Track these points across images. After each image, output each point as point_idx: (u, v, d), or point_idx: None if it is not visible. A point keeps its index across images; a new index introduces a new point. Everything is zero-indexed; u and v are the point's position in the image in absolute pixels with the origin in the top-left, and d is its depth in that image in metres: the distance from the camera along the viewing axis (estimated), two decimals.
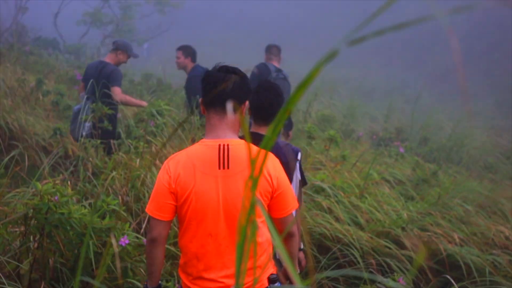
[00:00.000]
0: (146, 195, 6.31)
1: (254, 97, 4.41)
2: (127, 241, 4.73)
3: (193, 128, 8.43)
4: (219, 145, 3.44)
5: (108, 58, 9.09)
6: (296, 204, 3.61)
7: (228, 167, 3.42)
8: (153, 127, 8.06)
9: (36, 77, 11.72)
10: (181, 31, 35.21)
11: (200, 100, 3.67)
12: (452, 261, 6.51)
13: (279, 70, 9.87)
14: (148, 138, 7.75)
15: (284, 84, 9.73)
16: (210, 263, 3.48)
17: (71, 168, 7.39)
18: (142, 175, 6.50)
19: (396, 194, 8.10)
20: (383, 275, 6.32)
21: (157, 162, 7.10)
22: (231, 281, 3.45)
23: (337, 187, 7.35)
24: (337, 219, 6.83)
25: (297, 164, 4.60)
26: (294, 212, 3.75)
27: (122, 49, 9.10)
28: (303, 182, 4.72)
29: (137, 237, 5.25)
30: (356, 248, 6.34)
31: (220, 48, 35.04)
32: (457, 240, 6.81)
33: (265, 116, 4.47)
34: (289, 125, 9.81)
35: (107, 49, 23.50)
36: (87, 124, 8.02)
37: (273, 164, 3.53)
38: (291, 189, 3.61)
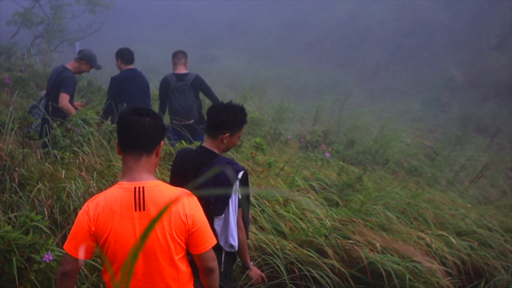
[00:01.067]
0: (72, 207, 6.26)
1: (214, 116, 4.81)
2: (51, 257, 4.81)
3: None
4: (135, 188, 3.60)
5: (71, 65, 9.25)
6: (214, 241, 3.82)
7: (144, 209, 3.59)
8: (79, 136, 7.96)
9: None
10: (114, 30, 34.87)
11: (116, 142, 3.83)
12: (374, 269, 6.62)
13: (180, 79, 10.02)
14: (75, 148, 7.66)
15: (184, 88, 9.87)
16: None
17: None
18: (68, 187, 6.43)
19: (320, 200, 8.17)
20: (306, 284, 6.40)
21: (84, 173, 7.04)
22: None
23: (261, 196, 7.39)
24: (261, 229, 6.87)
25: (237, 183, 4.70)
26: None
27: (86, 59, 9.27)
28: (244, 200, 4.89)
29: (62, 251, 5.21)
30: (279, 257, 6.40)
31: (154, 46, 34.83)
32: (379, 247, 6.93)
33: (213, 133, 4.85)
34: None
35: (38, 49, 23.15)
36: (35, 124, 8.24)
37: (188, 202, 3.70)
38: (207, 227, 3.80)
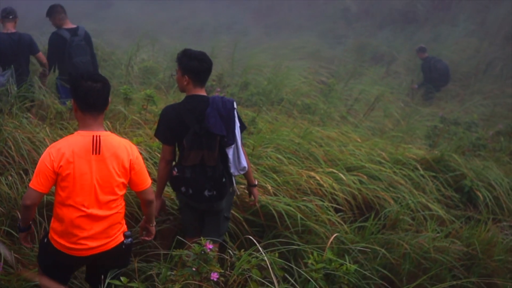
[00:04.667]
0: None
1: (195, 64, 5.48)
2: None
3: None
4: (93, 136, 4.50)
5: (12, 26, 9.47)
6: (149, 181, 4.84)
7: (99, 153, 4.51)
8: None
9: None
10: None
11: (72, 102, 4.64)
12: (266, 211, 6.74)
13: (74, 33, 9.86)
14: None
15: (79, 47, 9.80)
16: (83, 228, 4.53)
17: None
18: None
19: None
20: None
21: None
22: (94, 243, 4.58)
23: (153, 149, 7.39)
24: (154, 181, 6.90)
25: (235, 113, 5.59)
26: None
27: (17, 15, 9.55)
28: (242, 126, 5.75)
29: None
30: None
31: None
32: (271, 190, 7.05)
33: (206, 79, 5.67)
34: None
35: None
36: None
37: (131, 149, 4.68)
38: (144, 169, 4.79)
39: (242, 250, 5.09)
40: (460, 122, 12.87)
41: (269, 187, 7.06)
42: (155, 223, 5.22)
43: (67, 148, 4.45)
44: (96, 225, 4.56)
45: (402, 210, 7.52)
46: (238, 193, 6.19)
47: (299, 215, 6.66)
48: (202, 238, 4.82)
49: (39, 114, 8.97)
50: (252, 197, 6.18)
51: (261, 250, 4.84)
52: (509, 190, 9.16)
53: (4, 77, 8.90)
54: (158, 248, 5.93)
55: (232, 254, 5.14)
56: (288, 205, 6.78)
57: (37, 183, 4.45)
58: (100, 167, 4.50)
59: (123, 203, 4.77)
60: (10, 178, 6.37)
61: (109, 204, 4.60)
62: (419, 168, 8.90)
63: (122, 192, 4.67)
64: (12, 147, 6.81)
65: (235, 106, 5.61)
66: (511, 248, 7.70)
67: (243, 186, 6.61)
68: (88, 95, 4.46)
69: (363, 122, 12.13)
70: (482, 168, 9.41)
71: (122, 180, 4.61)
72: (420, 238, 7.13)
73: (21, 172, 6.48)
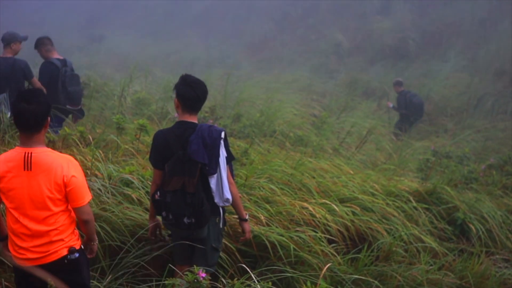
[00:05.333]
0: None
1: (186, 90, 5.55)
2: None
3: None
4: (25, 153, 4.59)
5: (9, 53, 9.60)
6: (88, 199, 4.79)
7: (30, 169, 4.57)
8: None
9: None
10: None
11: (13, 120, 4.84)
12: (259, 241, 6.70)
13: (64, 64, 10.06)
14: None
15: (73, 77, 9.90)
16: (22, 239, 4.66)
17: None
18: None
19: None
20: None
21: None
22: (33, 255, 4.68)
23: (146, 178, 7.36)
24: (147, 210, 6.87)
25: (221, 142, 5.56)
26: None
27: (14, 40, 9.60)
28: (230, 157, 5.73)
29: None
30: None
31: (39, 29, 33.86)
32: (263, 220, 7.02)
33: (197, 107, 5.68)
34: (80, 114, 10.56)
35: None
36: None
37: (67, 165, 4.66)
38: (83, 187, 4.75)
39: (236, 279, 5.05)
40: (452, 155, 12.88)
41: (262, 217, 7.03)
42: (96, 241, 5.16)
43: (2, 163, 4.62)
44: (35, 239, 4.67)
45: (395, 242, 7.49)
46: (226, 224, 6.09)
47: (292, 246, 6.64)
48: (194, 266, 4.78)
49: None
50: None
51: (254, 278, 4.80)
52: (502, 223, 9.17)
53: None
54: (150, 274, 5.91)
55: (225, 283, 5.09)
56: (281, 235, 6.75)
57: None
58: (31, 183, 4.57)
59: (67, 220, 4.79)
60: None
61: (47, 220, 4.65)
62: (412, 200, 8.89)
63: (59, 208, 4.69)
64: None
65: (222, 136, 5.58)
66: (504, 281, 7.69)
67: (235, 217, 6.57)
68: (19, 116, 4.58)
69: (355, 155, 12.12)
70: (475, 201, 9.42)
71: (55, 196, 4.63)
72: (413, 270, 7.11)
73: None
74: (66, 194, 4.67)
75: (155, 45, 31.72)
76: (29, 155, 4.58)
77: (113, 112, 12.74)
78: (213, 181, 5.55)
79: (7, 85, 9.31)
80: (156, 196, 5.61)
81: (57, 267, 4.74)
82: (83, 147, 8.42)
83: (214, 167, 5.52)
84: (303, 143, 11.91)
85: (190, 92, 5.55)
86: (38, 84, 9.62)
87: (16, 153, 4.65)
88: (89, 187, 4.92)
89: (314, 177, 8.87)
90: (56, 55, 10.11)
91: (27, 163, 4.57)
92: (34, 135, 4.62)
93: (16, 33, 9.73)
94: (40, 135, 4.67)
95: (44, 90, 9.40)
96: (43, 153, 4.63)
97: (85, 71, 19.98)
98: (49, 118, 4.74)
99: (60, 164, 4.63)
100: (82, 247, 4.99)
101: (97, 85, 15.22)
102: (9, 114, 8.72)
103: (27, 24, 34.38)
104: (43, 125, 4.65)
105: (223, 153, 5.58)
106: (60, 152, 4.82)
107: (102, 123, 11.58)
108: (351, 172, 9.68)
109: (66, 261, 4.76)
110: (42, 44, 10.12)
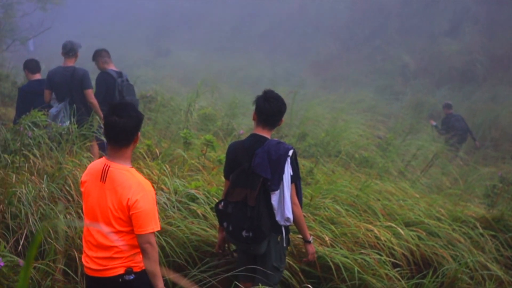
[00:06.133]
0: (23, 211, 6.25)
1: (263, 104, 5.63)
2: (2, 264, 5.13)
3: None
4: (105, 164, 4.69)
5: (71, 62, 9.78)
6: (153, 229, 4.64)
7: (104, 182, 4.64)
8: (30, 139, 7.91)
9: None
10: (65, 27, 34.50)
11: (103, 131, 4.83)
12: (323, 262, 6.68)
13: (120, 75, 10.15)
14: (25, 152, 7.62)
15: (129, 87, 10.00)
16: (89, 247, 4.75)
17: None
18: (19, 192, 6.41)
19: None
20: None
21: (34, 176, 7.01)
22: (94, 265, 4.72)
23: (211, 194, 7.42)
24: (212, 226, 6.92)
25: (288, 160, 5.53)
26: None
27: (77, 49, 9.87)
28: (296, 176, 5.68)
29: (13, 257, 5.30)
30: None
31: (106, 41, 34.48)
32: (328, 241, 7.00)
33: (271, 122, 5.71)
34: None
35: None
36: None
37: (137, 190, 4.60)
38: (148, 215, 4.59)
39: None
40: None
41: (327, 238, 7.01)
42: (158, 279, 4.71)
43: (87, 169, 4.87)
44: (99, 251, 4.71)
45: (460, 268, 7.37)
46: (290, 243, 6.05)
47: (356, 268, 6.60)
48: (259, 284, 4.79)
49: (99, 154, 9.10)
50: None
51: None
52: None
53: (56, 109, 9.13)
54: None
55: None
56: (346, 257, 6.72)
57: None
58: (102, 195, 4.65)
59: (131, 241, 4.69)
60: (68, 216, 6.44)
61: (111, 235, 4.69)
62: (478, 227, 8.74)
63: (122, 228, 4.65)
64: (72, 185, 6.91)
65: (289, 153, 5.58)
66: None
67: (300, 236, 6.57)
68: (110, 129, 4.64)
69: (421, 179, 11.99)
70: None
71: (119, 215, 4.62)
72: None
73: (79, 211, 6.54)
74: (130, 217, 4.61)
75: (220, 61, 31.95)
76: (107, 168, 4.65)
77: (179, 126, 12.87)
78: (274, 198, 5.55)
79: (67, 94, 9.52)
80: (220, 206, 5.70)
81: (113, 285, 4.74)
82: (150, 161, 8.53)
83: (276, 183, 5.52)
84: (368, 164, 11.84)
85: (266, 107, 5.62)
86: (91, 96, 9.71)
87: (100, 162, 4.76)
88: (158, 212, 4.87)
89: (379, 199, 8.80)
90: (112, 67, 10.25)
91: (103, 175, 4.64)
92: (121, 148, 4.67)
93: (76, 42, 9.93)
94: (127, 149, 4.72)
95: (93, 104, 9.66)
96: (119, 170, 4.66)
97: (152, 85, 20.30)
98: (139, 134, 4.78)
99: (130, 185, 4.60)
100: (144, 271, 4.73)
101: (164, 99, 15.38)
102: (67, 123, 8.88)
103: (92, 37, 35.06)
104: (132, 140, 4.71)
105: (288, 170, 5.56)
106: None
107: (168, 137, 11.72)
108: (417, 195, 9.58)
109: (120, 280, 4.71)
110: (99, 55, 10.27)
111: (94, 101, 9.66)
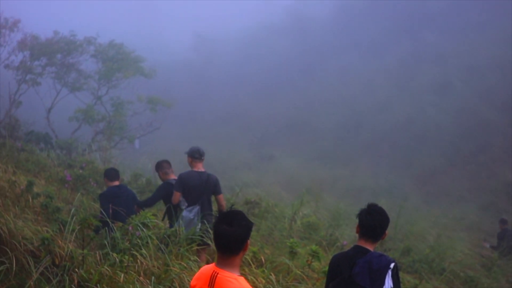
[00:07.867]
0: None
1: (365, 217, 5.76)
2: None
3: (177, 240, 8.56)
4: (213, 271, 4.73)
5: (201, 167, 10.25)
6: None
7: None
8: (138, 239, 8.15)
9: (27, 178, 11.84)
10: (173, 128, 35.52)
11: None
12: None
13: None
14: (133, 251, 7.85)
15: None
16: None
17: (58, 278, 7.46)
18: None
19: None
20: None
21: (142, 277, 7.21)
22: None
23: None
24: None
25: (389, 272, 5.55)
26: None
27: (204, 156, 10.31)
28: None
29: None
30: None
31: (212, 144, 35.29)
32: None
33: (374, 235, 5.77)
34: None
35: (98, 146, 23.74)
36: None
37: None
38: None
39: None
40: None
41: None
42: None
43: (197, 274, 4.94)
44: None
45: None
46: None
47: None
48: None
49: (207, 259, 9.27)
50: None
51: None
52: None
53: (192, 213, 9.50)
54: None
55: None
56: None
57: None
58: None
59: None
60: None
61: None
62: None
63: None
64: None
65: (391, 266, 5.61)
66: None
67: None
68: (220, 238, 4.71)
69: None
70: None
71: None
72: None
73: None
74: None
75: (323, 169, 32.06)
76: (215, 275, 4.69)
77: (282, 233, 13.00)
78: None
79: (199, 198, 9.92)
80: None
81: None
82: (255, 268, 8.64)
83: None
84: (473, 284, 11.61)
85: (368, 220, 5.75)
86: (223, 200, 10.17)
87: (209, 269, 4.81)
88: None
89: None
90: (172, 177, 10.81)
91: (212, 282, 4.68)
92: (230, 257, 4.71)
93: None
94: (236, 258, 4.74)
95: (223, 206, 10.01)
96: (227, 278, 4.67)
97: (254, 189, 20.58)
98: (248, 242, 4.82)
99: None
100: None
101: (268, 205, 15.56)
102: (199, 226, 9.24)
103: (200, 138, 35.87)
104: (241, 248, 4.74)
105: (389, 283, 5.57)
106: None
107: (270, 244, 11.84)
108: None
109: None
110: (161, 167, 11.00)
111: (224, 204, 10.16)
